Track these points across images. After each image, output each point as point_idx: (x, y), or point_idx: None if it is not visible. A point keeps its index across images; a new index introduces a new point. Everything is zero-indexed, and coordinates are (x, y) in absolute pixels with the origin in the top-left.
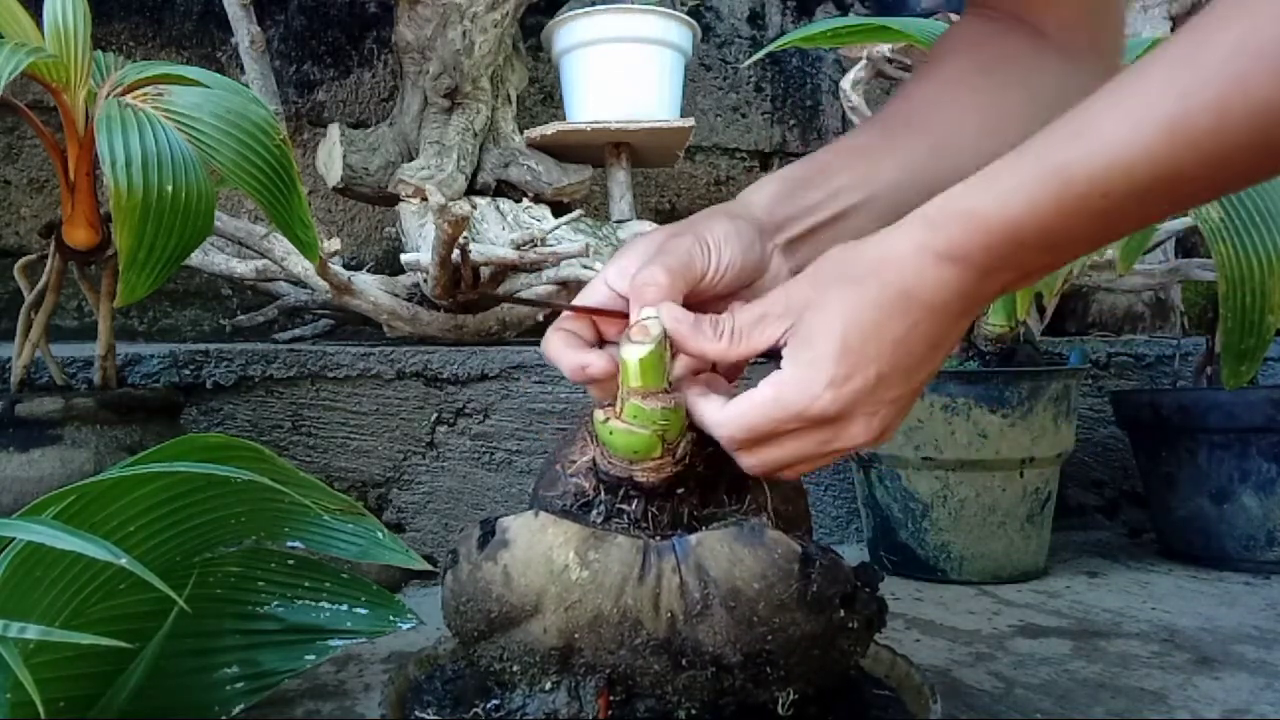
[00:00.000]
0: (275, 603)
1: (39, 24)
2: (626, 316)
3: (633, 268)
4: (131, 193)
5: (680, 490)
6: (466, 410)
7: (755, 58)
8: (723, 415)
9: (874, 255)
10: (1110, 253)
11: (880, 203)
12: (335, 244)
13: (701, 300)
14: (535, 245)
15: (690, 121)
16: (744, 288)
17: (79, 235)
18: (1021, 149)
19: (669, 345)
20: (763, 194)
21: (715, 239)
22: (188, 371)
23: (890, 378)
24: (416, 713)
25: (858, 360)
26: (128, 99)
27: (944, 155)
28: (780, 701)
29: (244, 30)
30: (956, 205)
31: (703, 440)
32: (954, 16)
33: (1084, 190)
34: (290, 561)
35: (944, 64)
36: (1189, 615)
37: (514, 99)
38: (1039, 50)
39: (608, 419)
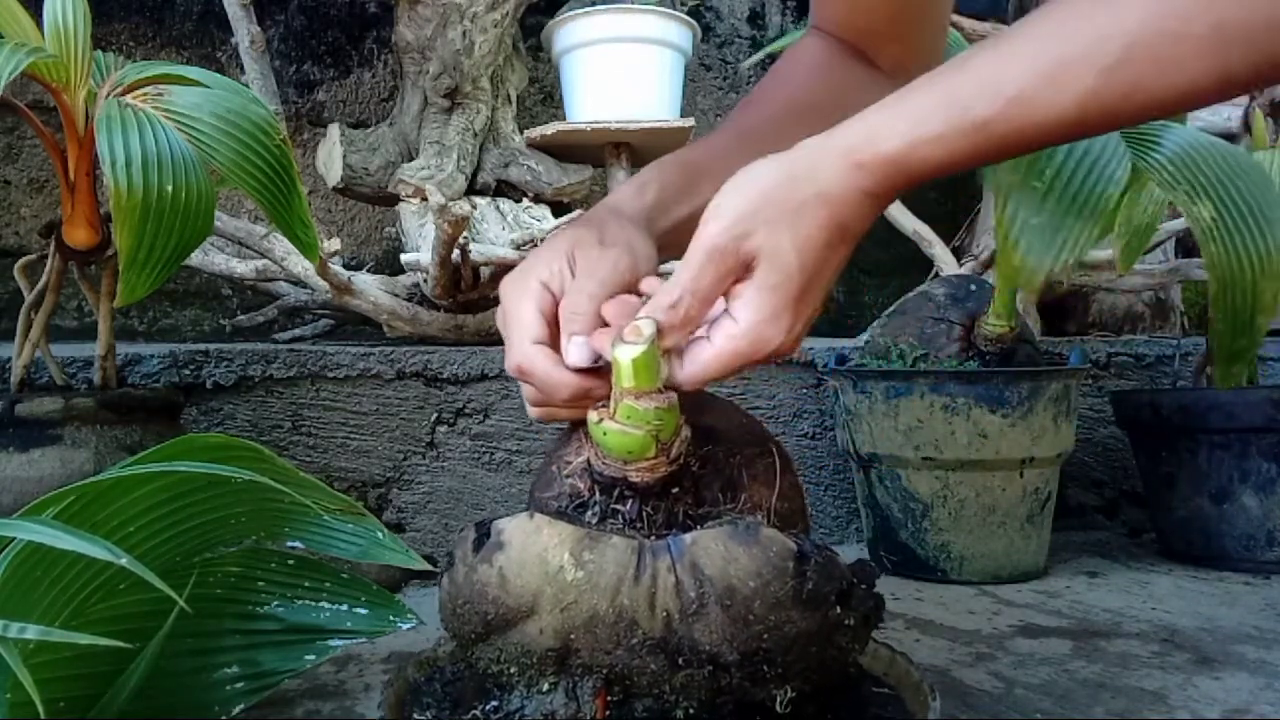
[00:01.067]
0: (275, 603)
1: (39, 24)
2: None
3: (550, 282)
4: (131, 193)
5: (675, 490)
6: (466, 410)
7: (756, 58)
8: (693, 371)
9: (812, 193)
10: (1110, 253)
11: None
12: (335, 244)
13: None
14: (535, 245)
15: (690, 121)
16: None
17: (79, 235)
18: (933, 88)
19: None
20: (643, 203)
21: (634, 249)
22: (188, 371)
23: (819, 299)
24: (415, 715)
25: (809, 298)
26: (128, 99)
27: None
28: (778, 699)
29: (244, 30)
30: (884, 152)
31: (697, 439)
32: (954, 16)
33: (1000, 138)
34: (290, 561)
35: (786, 88)
36: (1189, 615)
37: (514, 99)
38: (872, 79)
39: (601, 419)
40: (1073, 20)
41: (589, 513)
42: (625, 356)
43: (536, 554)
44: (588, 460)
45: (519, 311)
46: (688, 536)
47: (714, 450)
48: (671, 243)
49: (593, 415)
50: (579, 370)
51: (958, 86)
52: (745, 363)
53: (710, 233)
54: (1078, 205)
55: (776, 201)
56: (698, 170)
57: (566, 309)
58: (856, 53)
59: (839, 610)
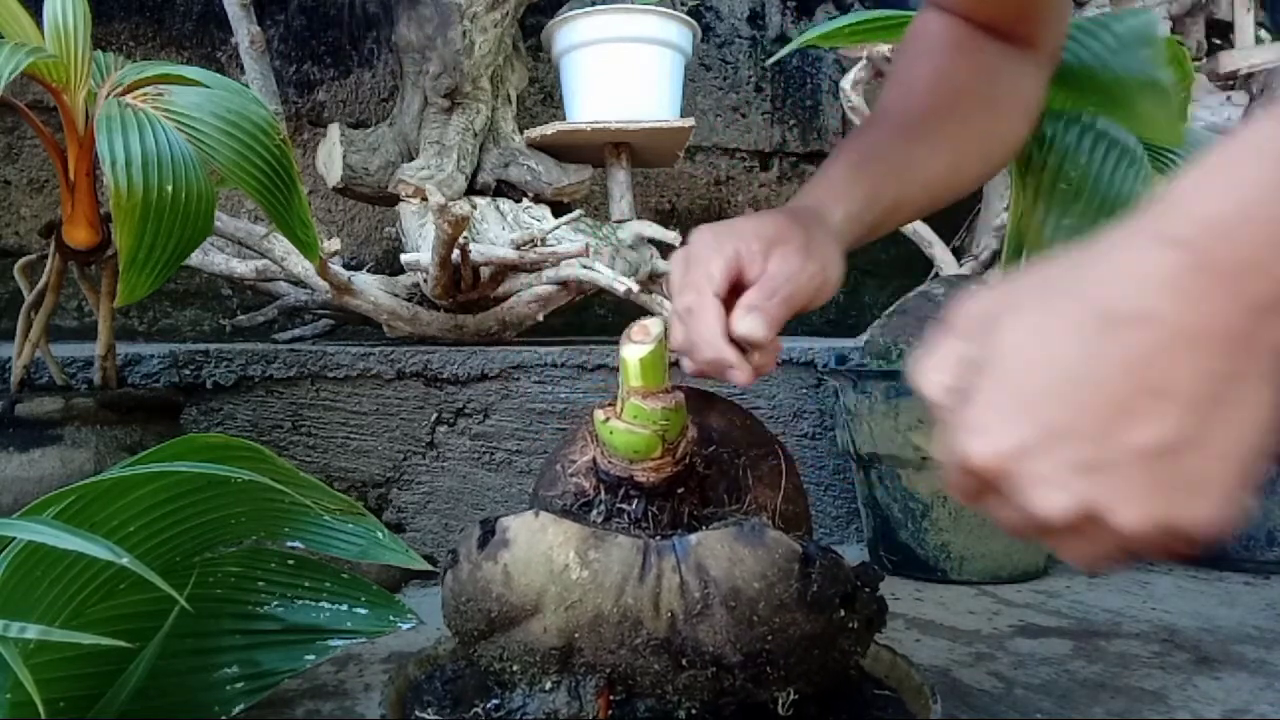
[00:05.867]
0: (275, 603)
1: (39, 24)
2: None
3: (744, 258)
4: (131, 193)
5: (680, 490)
6: (466, 410)
7: (777, 56)
8: None
9: None
10: None
11: (900, 212)
12: (335, 244)
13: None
14: (535, 245)
15: (690, 121)
16: None
17: (79, 235)
18: None
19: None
20: (844, 213)
21: (828, 270)
22: (188, 371)
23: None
24: (416, 713)
25: None
26: (128, 99)
27: (954, 171)
28: (780, 701)
29: (244, 30)
30: None
31: (703, 440)
32: None
33: None
34: (290, 561)
35: (943, 76)
36: (1189, 615)
37: (514, 99)
38: (1020, 60)
39: (608, 419)
40: None
41: (594, 512)
42: (633, 355)
43: (542, 552)
44: (593, 459)
45: (710, 263)
46: (693, 537)
47: (719, 451)
48: (852, 247)
49: (599, 414)
50: (734, 341)
51: None
52: None
53: None
54: (1109, 205)
55: None
56: (873, 175)
57: (756, 297)
58: (985, 28)
59: (843, 613)
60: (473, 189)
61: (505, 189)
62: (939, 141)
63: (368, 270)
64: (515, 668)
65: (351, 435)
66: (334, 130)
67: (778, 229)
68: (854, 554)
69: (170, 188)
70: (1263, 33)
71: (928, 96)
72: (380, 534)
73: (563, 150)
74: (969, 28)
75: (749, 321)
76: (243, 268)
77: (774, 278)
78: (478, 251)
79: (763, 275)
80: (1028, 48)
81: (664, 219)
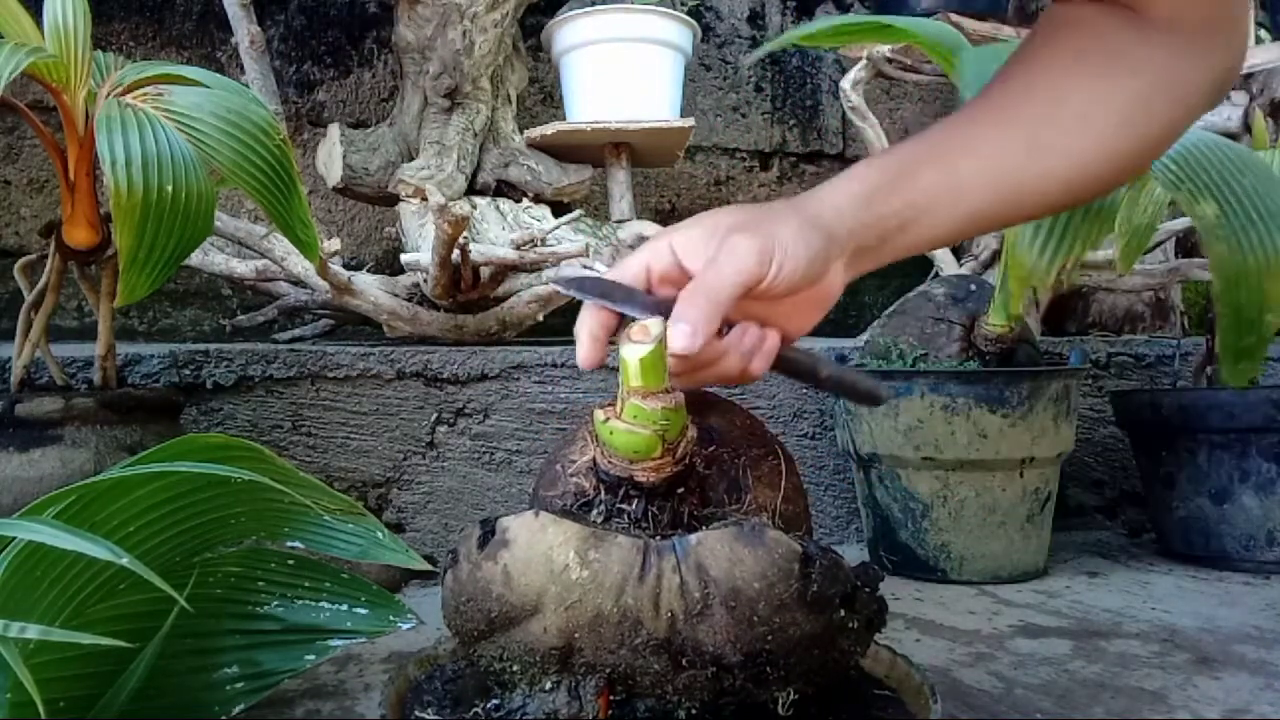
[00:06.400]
0: (275, 603)
1: (39, 24)
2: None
3: (699, 252)
4: (131, 193)
5: (680, 490)
6: (466, 410)
7: (758, 54)
8: None
9: None
10: (1110, 253)
11: (961, 207)
12: (335, 244)
13: (754, 299)
14: (535, 245)
15: (690, 121)
16: (798, 293)
17: (79, 235)
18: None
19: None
20: (839, 197)
21: (782, 247)
22: (188, 371)
23: None
24: (416, 713)
25: None
26: (128, 99)
27: (1038, 154)
28: (780, 701)
29: (244, 30)
30: None
31: (703, 440)
32: (954, 16)
33: None
34: (290, 561)
35: (1040, 53)
36: (1189, 615)
37: (514, 99)
38: (1141, 33)
39: (608, 419)
40: None
41: (594, 512)
42: (633, 356)
43: (542, 552)
44: (593, 459)
45: (628, 261)
46: (693, 537)
47: (719, 451)
48: (872, 247)
49: (599, 414)
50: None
51: None
52: None
53: None
54: (1092, 209)
55: None
56: (914, 155)
57: (679, 307)
58: (1115, 4)
59: (843, 613)
60: (473, 189)
61: (505, 189)
62: (1010, 118)
63: (368, 270)
64: (515, 668)
65: (351, 435)
66: (334, 130)
67: (731, 217)
68: (854, 554)
69: (170, 188)
70: (1263, 33)
71: (1003, 74)
72: (380, 534)
73: (563, 150)
74: (1101, 9)
75: (674, 337)
76: (243, 268)
77: (698, 276)
78: (478, 251)
79: (694, 273)
80: (1174, 28)
81: (664, 219)
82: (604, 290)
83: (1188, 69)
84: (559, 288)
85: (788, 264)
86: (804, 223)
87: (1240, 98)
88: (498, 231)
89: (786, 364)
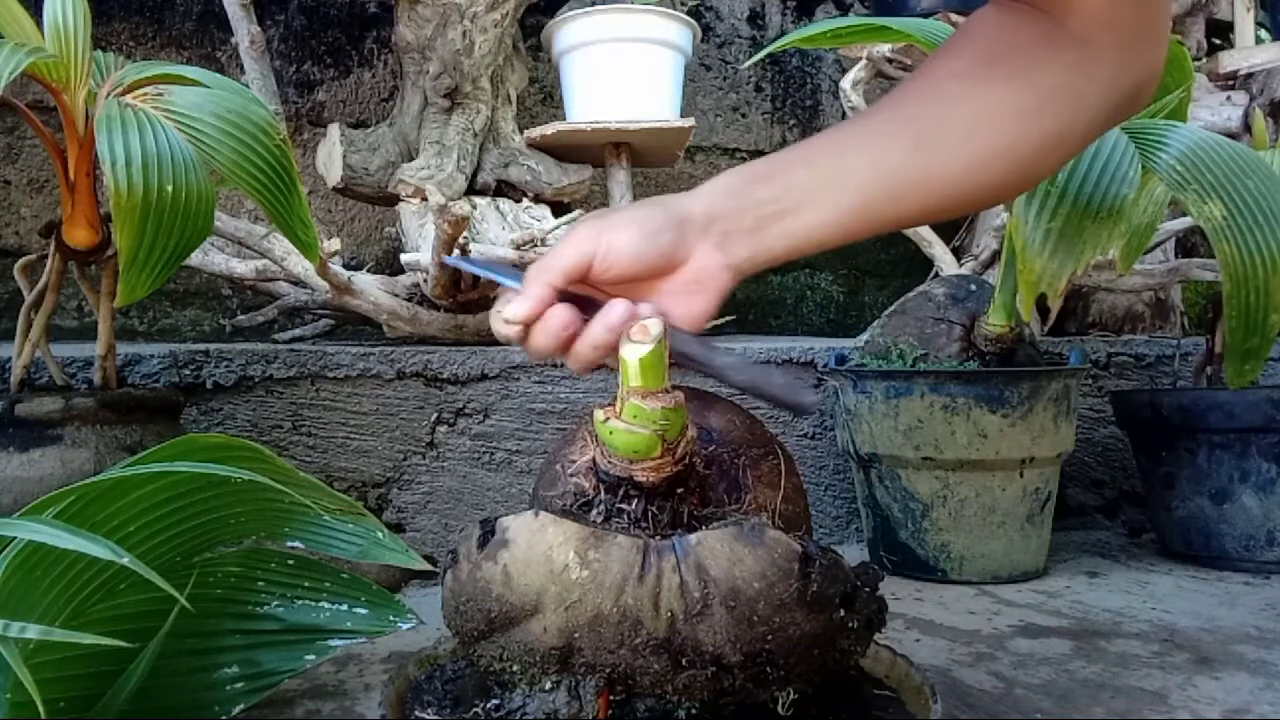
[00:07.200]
0: (275, 603)
1: (39, 24)
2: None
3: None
4: (131, 193)
5: (680, 490)
6: (466, 410)
7: (756, 58)
8: None
9: None
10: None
11: (843, 199)
12: (335, 244)
13: (606, 284)
14: (535, 245)
15: (690, 121)
16: (654, 275)
17: (79, 235)
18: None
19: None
20: (713, 186)
21: (612, 228)
22: (188, 371)
23: None
24: (416, 713)
25: None
26: (128, 99)
27: (923, 152)
28: (780, 701)
29: (244, 30)
30: None
31: (703, 440)
32: (954, 16)
33: None
34: (290, 561)
35: (945, 56)
36: (1189, 615)
37: (514, 99)
38: (1052, 42)
39: (608, 419)
40: None
41: (594, 511)
42: (632, 356)
43: (541, 552)
44: (593, 459)
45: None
46: (693, 537)
47: (719, 451)
48: (743, 230)
49: (599, 414)
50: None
51: None
52: None
53: None
54: (1094, 207)
55: None
56: (800, 153)
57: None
58: (1036, 13)
59: (843, 613)
60: (473, 189)
61: (505, 189)
62: (903, 115)
63: (368, 270)
64: (515, 668)
65: (351, 435)
66: (334, 130)
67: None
68: (854, 554)
69: (170, 188)
70: (1263, 33)
71: (911, 75)
72: (380, 534)
73: (563, 150)
74: (1019, 11)
75: (510, 306)
76: (243, 268)
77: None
78: (478, 252)
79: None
80: (1116, 49)
81: None
82: (488, 265)
83: (1091, 81)
84: (450, 263)
85: (617, 240)
86: (650, 208)
87: (1240, 98)
88: (498, 231)
89: (684, 357)
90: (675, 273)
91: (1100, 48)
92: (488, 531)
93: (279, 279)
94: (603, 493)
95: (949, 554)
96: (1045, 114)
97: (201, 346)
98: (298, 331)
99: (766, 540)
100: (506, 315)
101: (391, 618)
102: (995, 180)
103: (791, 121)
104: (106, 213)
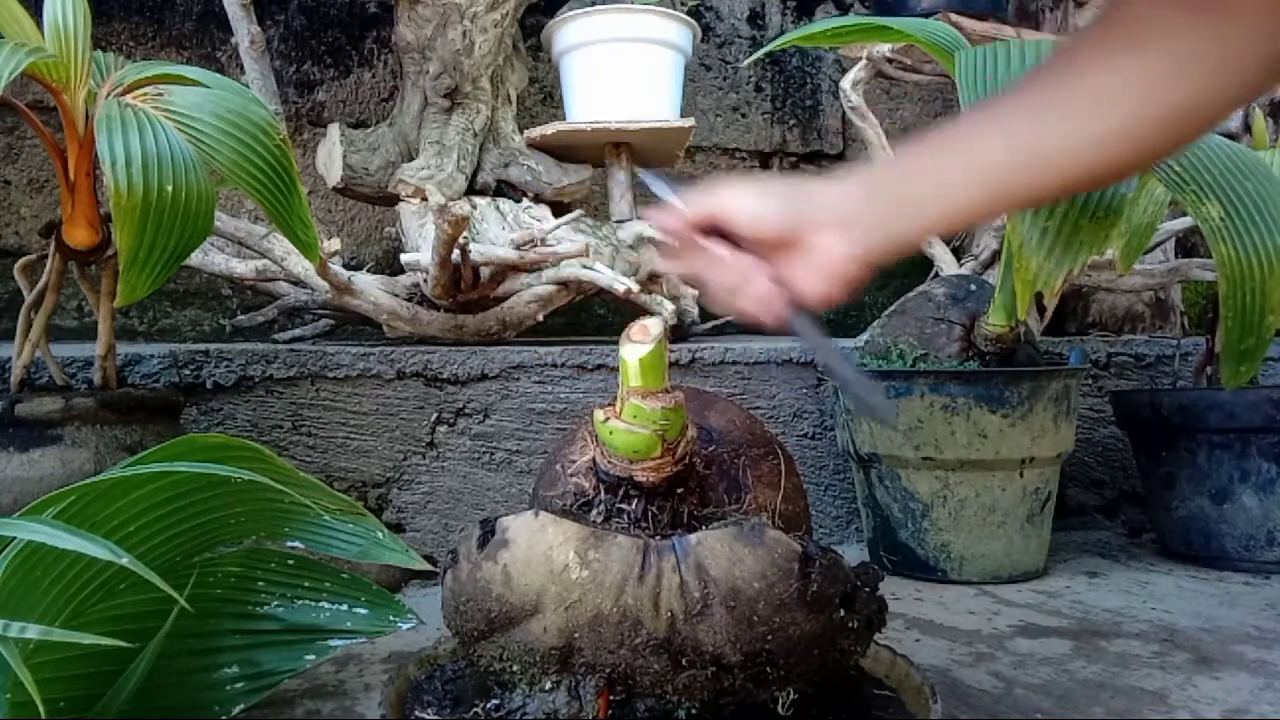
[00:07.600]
0: (275, 603)
1: (39, 24)
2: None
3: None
4: (131, 193)
5: (680, 490)
6: (466, 410)
7: (755, 57)
8: None
9: None
10: (1110, 253)
11: (972, 189)
12: (335, 244)
13: (746, 240)
14: (535, 245)
15: (690, 121)
16: (783, 244)
17: (79, 235)
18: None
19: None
20: (847, 176)
21: (741, 189)
22: (188, 371)
23: None
24: (416, 713)
25: None
26: (128, 99)
27: (1045, 124)
28: (780, 701)
29: (244, 30)
30: None
31: (703, 440)
32: (954, 16)
33: None
34: (290, 561)
35: (1091, 26)
36: (1189, 615)
37: (514, 99)
38: (1189, 3)
39: (608, 419)
40: None
41: (594, 511)
42: (632, 356)
43: (541, 552)
44: (593, 459)
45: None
46: (693, 537)
47: (719, 451)
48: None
49: (599, 414)
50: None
51: None
52: None
53: None
54: (1092, 207)
55: None
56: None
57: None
58: None
59: (842, 613)
60: (473, 189)
61: (505, 189)
62: (1036, 96)
63: (368, 270)
64: (515, 668)
65: (351, 435)
66: (334, 130)
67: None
68: (854, 554)
69: (170, 188)
70: None
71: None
72: (380, 534)
73: (563, 150)
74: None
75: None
76: (243, 268)
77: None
78: (478, 251)
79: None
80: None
81: None
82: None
83: (1231, 45)
84: (643, 175)
85: (740, 198)
86: (779, 183)
87: None
88: (498, 231)
89: (804, 325)
90: (803, 249)
91: (1243, 8)
92: (488, 531)
93: (279, 279)
94: (603, 493)
95: (949, 554)
96: (1178, 82)
97: (201, 346)
98: (298, 331)
99: (766, 540)
100: (658, 221)
101: (391, 618)
102: (1120, 156)
103: (791, 121)
104: (106, 213)
